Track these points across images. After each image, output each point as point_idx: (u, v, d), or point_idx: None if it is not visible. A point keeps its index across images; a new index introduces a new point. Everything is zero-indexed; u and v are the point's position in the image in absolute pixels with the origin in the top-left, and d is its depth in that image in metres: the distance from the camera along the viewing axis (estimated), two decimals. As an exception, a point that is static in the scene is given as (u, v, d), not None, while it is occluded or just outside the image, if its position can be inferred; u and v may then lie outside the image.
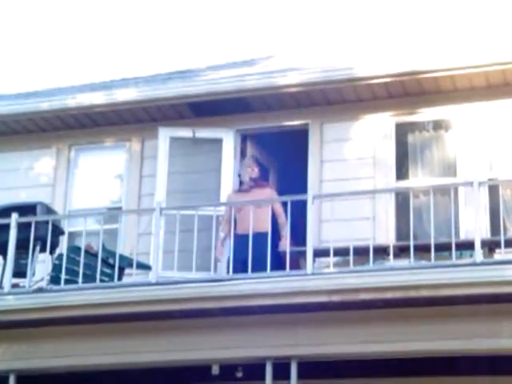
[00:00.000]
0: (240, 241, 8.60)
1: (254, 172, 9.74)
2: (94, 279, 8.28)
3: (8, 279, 8.40)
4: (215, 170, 10.20)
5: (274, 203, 9.27)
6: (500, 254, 7.93)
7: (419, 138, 9.98)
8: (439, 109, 9.85)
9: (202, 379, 8.06)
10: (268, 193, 9.63)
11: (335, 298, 7.54)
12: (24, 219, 8.52)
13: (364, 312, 7.60)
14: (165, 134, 10.35)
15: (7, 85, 27.72)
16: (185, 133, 10.31)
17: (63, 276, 8.31)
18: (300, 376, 7.69)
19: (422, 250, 8.01)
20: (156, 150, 10.36)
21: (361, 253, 8.01)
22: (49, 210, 9.08)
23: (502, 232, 7.75)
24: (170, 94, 10.28)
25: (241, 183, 9.87)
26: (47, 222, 8.49)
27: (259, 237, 8.70)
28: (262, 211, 9.10)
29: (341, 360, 7.79)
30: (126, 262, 8.73)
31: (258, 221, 8.89)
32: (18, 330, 8.32)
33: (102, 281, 8.33)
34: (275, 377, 7.73)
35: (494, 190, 9.14)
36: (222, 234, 9.43)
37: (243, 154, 10.48)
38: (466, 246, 8.22)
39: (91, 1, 31.07)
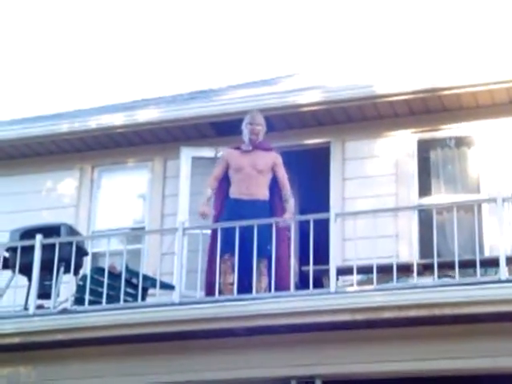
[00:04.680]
0: (236, 205, 8.43)
1: (262, 133, 8.83)
2: (117, 300, 8.30)
3: (33, 301, 8.44)
4: (237, 188, 10.16)
5: (277, 170, 8.75)
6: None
7: (441, 154, 9.95)
8: (461, 125, 9.82)
9: (226, 399, 8.03)
10: (273, 157, 8.85)
11: (359, 317, 7.51)
12: (48, 241, 8.56)
13: (388, 330, 7.56)
14: (187, 154, 10.38)
15: (30, 108, 27.95)
16: (207, 152, 10.33)
17: (87, 297, 8.33)
18: (324, 395, 7.67)
19: (446, 267, 7.96)
20: (178, 169, 10.40)
21: (384, 271, 7.98)
22: (72, 231, 9.11)
23: (526, 249, 7.69)
24: (191, 114, 10.32)
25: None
26: (71, 243, 8.52)
27: (258, 204, 8.55)
28: (262, 177, 8.73)
29: (365, 379, 7.74)
30: (149, 283, 8.74)
31: (257, 186, 8.63)
32: (43, 351, 8.35)
33: (125, 301, 8.34)
34: (299, 396, 7.71)
35: (517, 206, 9.08)
36: (209, 191, 8.78)
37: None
38: (491, 263, 8.15)
39: (113, 23, 31.31)
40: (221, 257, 8.27)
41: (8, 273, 8.95)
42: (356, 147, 10.08)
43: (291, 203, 8.74)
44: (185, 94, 12.18)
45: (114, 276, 8.56)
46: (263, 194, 8.69)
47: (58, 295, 8.60)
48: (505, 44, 11.34)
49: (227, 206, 8.71)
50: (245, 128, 8.89)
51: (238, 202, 8.63)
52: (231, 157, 8.88)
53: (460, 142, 9.89)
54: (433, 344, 7.42)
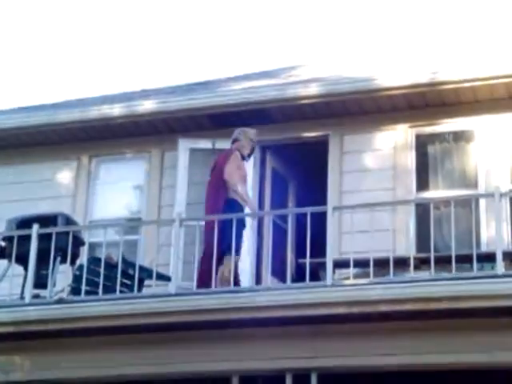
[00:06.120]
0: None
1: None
2: (113, 290, 8.29)
3: (29, 290, 8.43)
4: (235, 180, 10.15)
5: None
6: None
7: (440, 148, 9.95)
8: (460, 120, 9.81)
9: (221, 391, 8.03)
10: None
11: (355, 310, 7.51)
12: (45, 230, 8.55)
13: (384, 324, 7.56)
14: (185, 146, 10.37)
15: (29, 97, 27.94)
16: (204, 144, 10.32)
17: (83, 287, 8.32)
18: (320, 388, 7.66)
19: (443, 261, 7.96)
20: (176, 161, 10.39)
21: (381, 264, 7.98)
22: (69, 221, 9.10)
23: (523, 244, 7.69)
24: (189, 106, 10.31)
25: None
26: (68, 233, 8.51)
27: None
28: None
29: (361, 372, 7.75)
30: (145, 273, 8.74)
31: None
32: (39, 340, 8.34)
33: (121, 292, 8.34)
34: (295, 389, 7.71)
35: (515, 202, 9.08)
36: (241, 188, 8.87)
37: (263, 165, 10.49)
38: (488, 258, 8.15)
39: (113, 13, 31.26)
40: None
41: (4, 262, 8.94)
42: (354, 141, 10.07)
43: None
44: (184, 85, 12.17)
45: (111, 266, 8.55)
46: None
47: (54, 285, 8.59)
48: (504, 39, 11.33)
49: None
50: (246, 142, 9.10)
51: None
52: (242, 163, 9.10)
53: (458, 136, 9.88)
54: (429, 338, 7.42)
